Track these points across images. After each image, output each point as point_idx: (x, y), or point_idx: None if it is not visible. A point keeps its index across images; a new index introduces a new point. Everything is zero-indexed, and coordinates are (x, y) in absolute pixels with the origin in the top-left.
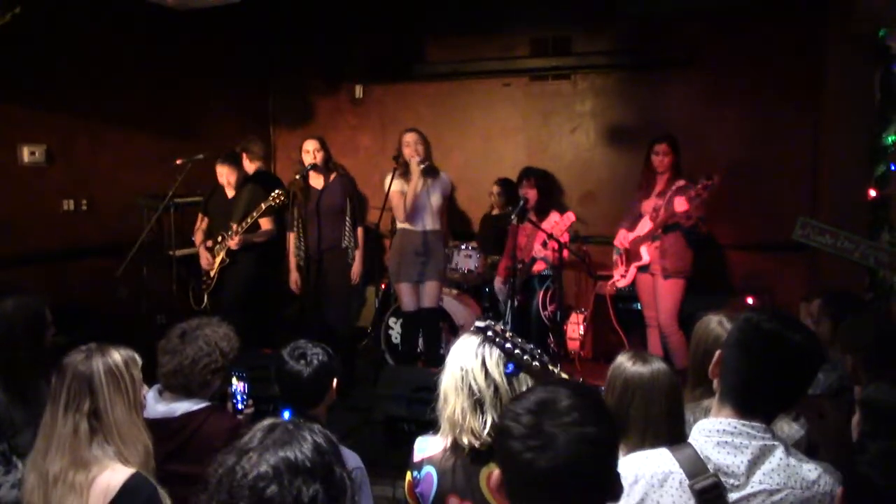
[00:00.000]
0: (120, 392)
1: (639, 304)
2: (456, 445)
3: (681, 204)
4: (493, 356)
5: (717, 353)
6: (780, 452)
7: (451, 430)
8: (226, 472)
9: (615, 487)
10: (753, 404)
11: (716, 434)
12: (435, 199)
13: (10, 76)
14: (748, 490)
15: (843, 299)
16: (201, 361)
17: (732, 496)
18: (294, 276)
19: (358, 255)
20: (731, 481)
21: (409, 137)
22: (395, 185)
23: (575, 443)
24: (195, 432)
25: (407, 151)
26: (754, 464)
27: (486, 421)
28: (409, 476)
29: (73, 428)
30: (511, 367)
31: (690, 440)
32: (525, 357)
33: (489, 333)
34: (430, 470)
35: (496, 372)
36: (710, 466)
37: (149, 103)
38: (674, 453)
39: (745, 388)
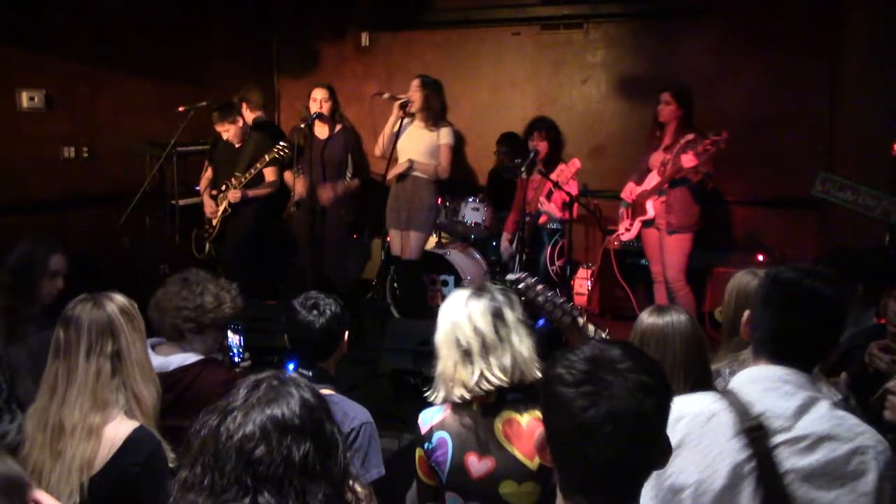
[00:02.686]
0: (136, 330)
1: (645, 260)
2: (460, 404)
3: (688, 160)
4: (480, 307)
5: (746, 313)
6: (826, 404)
7: (443, 386)
8: (209, 433)
9: (665, 450)
10: (790, 357)
11: (763, 381)
12: (420, 146)
13: (9, 19)
14: (795, 433)
15: (860, 258)
16: (174, 302)
17: (779, 438)
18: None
19: (342, 184)
20: (779, 423)
21: (414, 82)
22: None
23: (633, 389)
24: (190, 386)
25: (405, 95)
26: (802, 410)
27: (474, 371)
28: (419, 452)
29: (96, 371)
30: (541, 321)
31: (732, 388)
32: (555, 311)
33: (521, 286)
34: (442, 435)
35: (482, 322)
36: (755, 410)
37: (151, 49)
38: (718, 396)
39: (777, 345)
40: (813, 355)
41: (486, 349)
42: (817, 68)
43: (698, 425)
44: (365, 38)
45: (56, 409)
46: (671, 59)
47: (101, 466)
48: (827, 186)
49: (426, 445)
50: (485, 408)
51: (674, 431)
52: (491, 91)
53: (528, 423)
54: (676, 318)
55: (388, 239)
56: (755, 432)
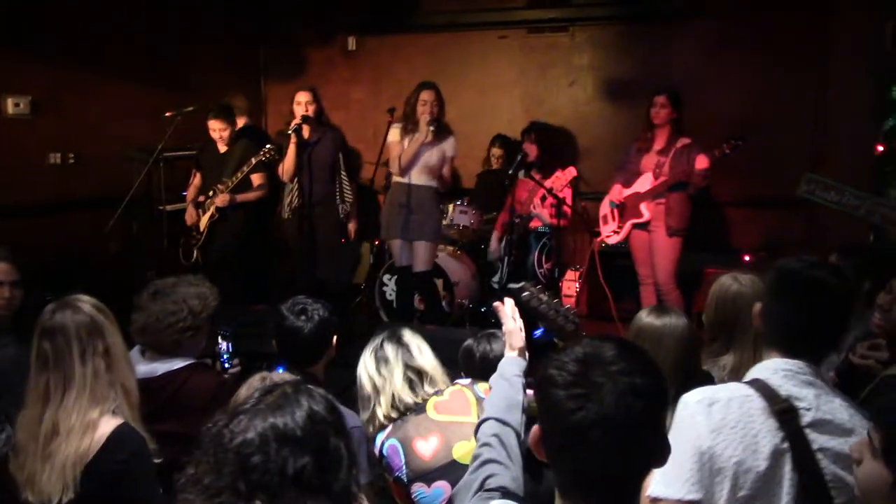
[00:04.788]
0: (114, 324)
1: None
2: (394, 417)
3: (702, 161)
4: (365, 359)
5: (757, 305)
6: (838, 397)
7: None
8: (215, 434)
9: (663, 450)
10: (800, 349)
11: (781, 371)
12: (431, 157)
13: None
14: (821, 415)
15: (870, 255)
16: (166, 320)
17: (807, 418)
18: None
19: (353, 210)
20: (804, 404)
21: (427, 95)
22: (394, 136)
23: (623, 393)
24: (177, 391)
25: (421, 109)
26: (819, 397)
27: (374, 407)
28: (388, 481)
29: (93, 372)
30: (540, 331)
31: (752, 377)
32: (558, 318)
33: (525, 294)
34: (391, 443)
35: (371, 368)
36: (782, 394)
37: (137, 54)
38: (744, 384)
39: (787, 336)
40: (821, 345)
41: (377, 393)
42: (803, 71)
43: (736, 406)
44: (352, 42)
45: (50, 416)
46: (657, 62)
47: (87, 463)
48: (812, 187)
49: (384, 462)
50: (415, 410)
51: (709, 414)
52: (478, 94)
53: (450, 393)
54: (675, 320)
55: (387, 247)
56: (786, 414)
